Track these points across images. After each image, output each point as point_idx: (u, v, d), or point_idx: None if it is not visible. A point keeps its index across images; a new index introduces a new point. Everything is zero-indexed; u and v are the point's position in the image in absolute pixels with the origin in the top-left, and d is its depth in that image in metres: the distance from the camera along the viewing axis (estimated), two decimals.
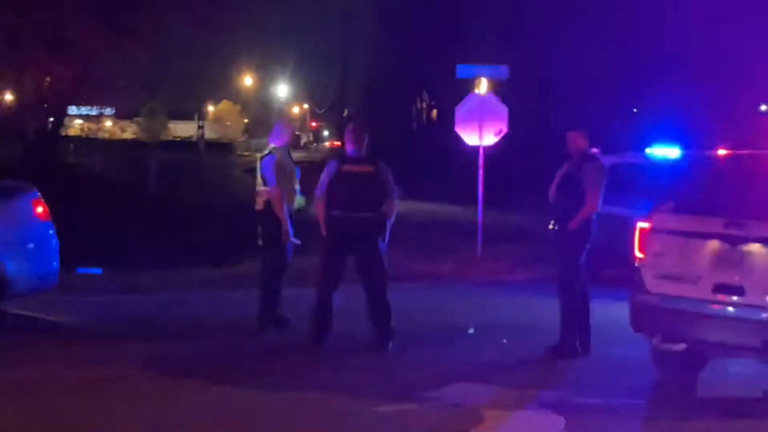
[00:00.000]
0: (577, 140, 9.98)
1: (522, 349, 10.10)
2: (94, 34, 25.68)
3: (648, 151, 14.90)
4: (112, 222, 17.88)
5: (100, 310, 11.96)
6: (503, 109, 17.06)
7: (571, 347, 9.75)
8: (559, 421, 7.58)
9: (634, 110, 39.48)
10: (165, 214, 19.86)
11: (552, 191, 9.96)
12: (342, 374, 8.96)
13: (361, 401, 7.98)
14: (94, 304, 12.34)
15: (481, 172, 17.03)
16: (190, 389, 8.34)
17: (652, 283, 8.79)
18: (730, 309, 8.31)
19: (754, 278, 8.19)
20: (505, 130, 17.05)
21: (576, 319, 9.80)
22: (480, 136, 16.88)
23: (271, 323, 10.55)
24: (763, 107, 42.00)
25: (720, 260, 8.41)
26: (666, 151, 14.56)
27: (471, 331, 10.77)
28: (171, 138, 75.20)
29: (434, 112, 50.17)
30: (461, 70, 17.36)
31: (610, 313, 10.21)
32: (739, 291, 8.25)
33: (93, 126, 76.35)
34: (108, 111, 73.39)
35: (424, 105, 51.40)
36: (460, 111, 17.23)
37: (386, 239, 10.01)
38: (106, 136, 75.91)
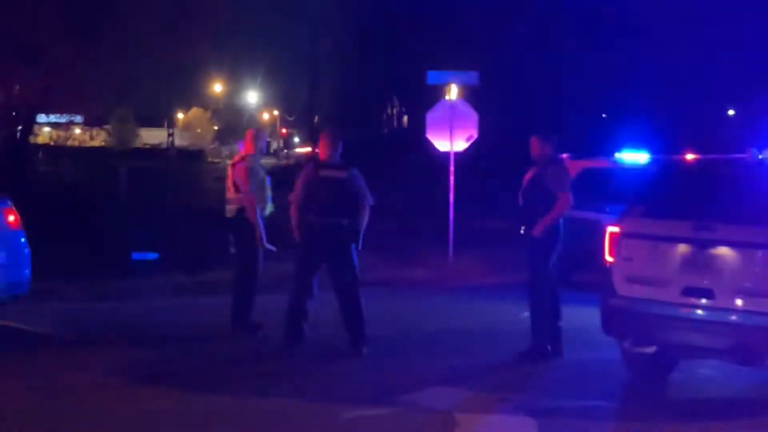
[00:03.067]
0: (540, 145, 10.05)
1: (494, 353, 10.15)
2: (63, 41, 25.53)
3: (617, 155, 15.01)
4: (82, 230, 17.76)
5: (71, 317, 11.90)
6: (474, 115, 17.13)
7: (543, 351, 9.81)
8: (532, 424, 7.64)
9: (603, 115, 39.70)
10: (135, 221, 19.76)
11: (520, 196, 10.04)
12: (316, 380, 8.98)
13: (334, 407, 8.01)
14: (65, 312, 12.28)
15: (452, 177, 17.09)
16: (162, 396, 8.32)
17: (622, 287, 8.87)
18: (700, 312, 8.39)
19: (723, 281, 8.28)
20: (475, 135, 17.13)
21: (547, 323, 9.87)
22: (451, 141, 16.95)
23: (244, 330, 10.55)
24: (731, 112, 42.38)
25: (689, 263, 8.49)
26: (635, 156, 14.67)
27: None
28: (141, 145, 75.08)
29: (405, 118, 50.25)
30: (432, 77, 17.43)
31: (581, 317, 10.28)
32: (709, 294, 8.34)
33: (62, 134, 75.94)
34: (77, 119, 72.96)
35: (394, 111, 51.47)
36: (430, 117, 17.29)
37: (359, 245, 10.04)
38: (76, 143, 75.49)
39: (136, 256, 14.94)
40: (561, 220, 9.88)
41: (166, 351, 10.08)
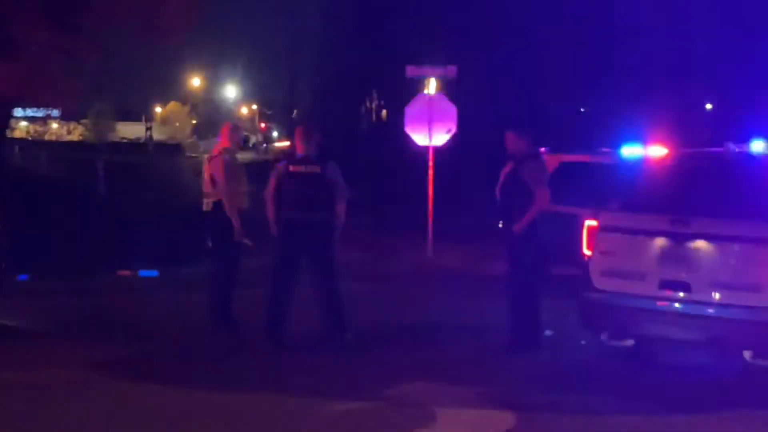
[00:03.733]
0: (515, 140, 10.05)
1: (474, 346, 10.17)
2: (40, 34, 25.36)
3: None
4: (59, 225, 17.68)
5: (46, 313, 11.84)
6: (452, 109, 17.15)
7: (522, 344, 9.83)
8: (512, 419, 7.65)
9: (582, 109, 39.82)
10: (113, 216, 19.69)
11: (497, 191, 10.04)
12: (296, 375, 8.96)
13: (315, 402, 8.01)
14: (40, 307, 12.21)
15: (430, 171, 17.11)
16: (142, 392, 8.30)
17: (599, 281, 8.91)
18: (677, 305, 8.45)
19: (699, 274, 8.33)
20: (454, 129, 17.15)
21: (526, 317, 9.89)
22: (429, 136, 16.96)
23: (222, 324, 10.52)
24: (708, 106, 42.56)
25: (666, 257, 8.54)
26: (637, 151, 14.66)
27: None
28: (118, 139, 74.78)
29: (384, 112, 50.23)
30: (410, 70, 17.43)
31: (560, 310, 10.31)
32: (685, 287, 8.39)
33: (39, 128, 75.58)
34: (54, 113, 72.66)
35: (373, 105, 51.43)
36: (409, 111, 17.29)
37: (337, 240, 10.04)
38: (53, 138, 75.16)
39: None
40: (539, 216, 9.88)
41: (146, 346, 10.04)
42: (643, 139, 9.69)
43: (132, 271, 14.90)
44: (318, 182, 9.93)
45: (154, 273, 14.90)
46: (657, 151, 9.40)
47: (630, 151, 9.72)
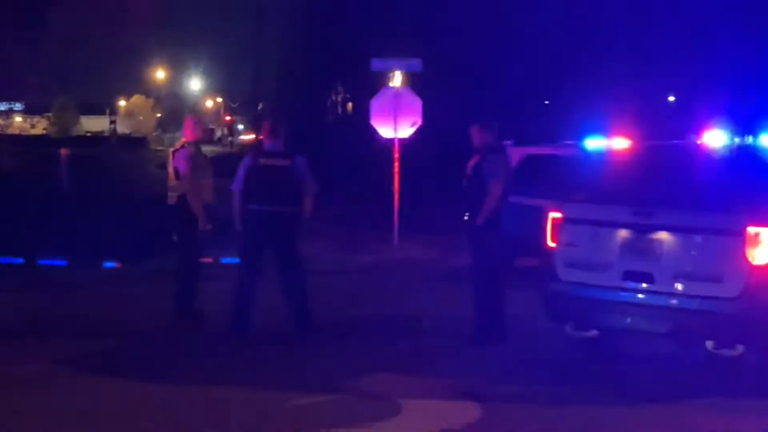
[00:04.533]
0: (480, 134, 10.11)
1: (439, 338, 10.21)
2: (3, 28, 25.18)
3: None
4: (22, 218, 17.54)
5: (10, 306, 11.76)
6: (417, 102, 17.19)
7: (487, 336, 9.88)
8: (476, 410, 7.70)
9: (546, 102, 39.97)
10: (77, 209, 19.55)
11: (463, 183, 10.10)
12: (261, 367, 8.97)
13: (279, 394, 8.02)
14: (8, 301, 12.13)
15: (396, 164, 17.14)
16: (109, 386, 8.29)
17: (563, 272, 8.97)
18: (640, 296, 8.53)
19: (662, 265, 8.41)
20: (419, 122, 17.19)
21: (490, 308, 9.94)
22: (395, 128, 16.99)
23: (188, 318, 10.51)
24: (671, 98, 42.86)
25: (629, 248, 8.61)
26: (600, 143, 14.77)
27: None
28: (82, 133, 74.25)
29: (349, 105, 50.16)
30: (376, 64, 17.46)
31: (525, 302, 10.38)
32: (648, 278, 8.47)
33: (2, 122, 74.88)
34: (17, 106, 72.02)
35: (339, 98, 51.35)
36: (374, 104, 17.31)
37: (304, 232, 10.05)
38: (16, 131, 74.48)
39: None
40: (503, 208, 9.93)
41: (111, 341, 10.00)
42: (606, 132, 9.76)
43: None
44: (286, 175, 9.94)
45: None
46: (620, 143, 9.47)
47: (593, 143, 9.80)
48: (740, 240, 8.09)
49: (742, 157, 9.00)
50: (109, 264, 14.81)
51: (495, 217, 9.87)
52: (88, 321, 10.97)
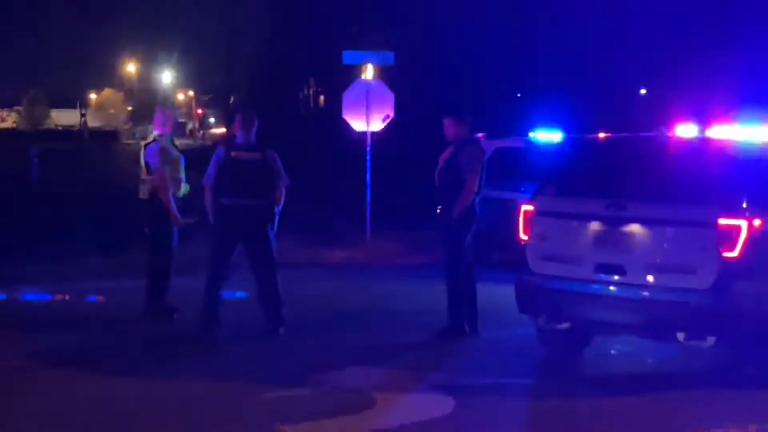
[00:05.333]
0: (454, 126, 10.09)
1: (412, 331, 10.21)
2: None
3: (531, 135, 15.16)
4: None
5: None
6: (390, 95, 17.16)
7: (459, 329, 9.89)
8: (450, 403, 7.70)
9: (518, 95, 40.04)
10: (48, 205, 19.44)
11: (436, 176, 10.09)
12: (233, 362, 8.95)
13: (252, 388, 7.99)
14: None
15: (369, 157, 17.12)
16: (77, 380, 8.23)
17: (536, 265, 8.99)
18: (612, 288, 8.55)
19: (634, 258, 8.44)
20: (391, 115, 17.16)
21: (463, 301, 9.95)
22: (367, 122, 16.96)
23: (159, 312, 10.46)
24: (642, 91, 43.04)
25: (601, 241, 8.63)
26: (549, 135, 14.83)
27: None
28: (53, 127, 73.74)
29: (321, 98, 50.08)
30: (348, 56, 17.41)
31: (497, 295, 10.39)
32: (621, 270, 8.49)
33: None
34: None
35: (311, 91, 51.25)
36: (347, 97, 17.27)
37: (276, 226, 10.02)
38: None
39: None
40: (476, 201, 9.94)
41: (83, 335, 9.95)
42: (578, 125, 9.78)
43: None
44: (258, 169, 9.90)
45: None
46: (592, 135, 9.49)
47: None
48: (712, 232, 8.12)
49: (713, 149, 9.02)
50: (81, 258, 14.71)
51: (469, 210, 9.87)
52: (59, 316, 10.89)
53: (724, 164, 8.66)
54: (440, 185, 10.02)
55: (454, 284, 9.95)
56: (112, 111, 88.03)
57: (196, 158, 13.93)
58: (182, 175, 10.63)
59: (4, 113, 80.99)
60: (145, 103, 75.28)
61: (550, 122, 15.50)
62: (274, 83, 44.91)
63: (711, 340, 8.31)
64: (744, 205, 8.18)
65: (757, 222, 8.12)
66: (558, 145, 14.45)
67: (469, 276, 10.04)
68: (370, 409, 7.57)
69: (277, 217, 10.00)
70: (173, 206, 10.37)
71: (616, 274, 8.52)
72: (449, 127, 10.09)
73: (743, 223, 8.08)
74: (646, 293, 8.39)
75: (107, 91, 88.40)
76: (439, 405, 7.68)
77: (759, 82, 26.46)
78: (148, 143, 10.59)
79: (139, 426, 7.17)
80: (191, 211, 10.68)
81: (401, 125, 19.84)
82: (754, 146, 8.88)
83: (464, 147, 9.96)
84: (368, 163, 17.13)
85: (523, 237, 9.12)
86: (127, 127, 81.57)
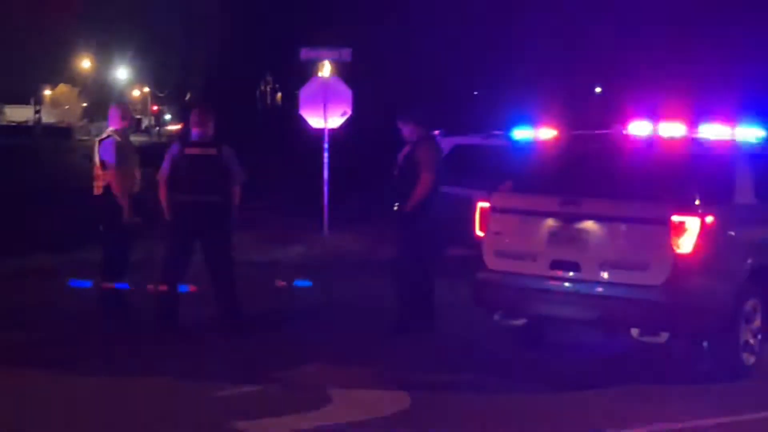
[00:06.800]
0: (408, 124, 10.14)
1: (369, 328, 10.22)
2: None
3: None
4: None
5: None
6: (347, 92, 17.15)
7: (411, 325, 9.92)
8: (406, 399, 7.72)
9: (475, 93, 40.18)
10: (2, 201, 19.21)
11: (394, 173, 10.13)
12: (188, 359, 8.90)
13: (207, 385, 7.97)
14: None
15: (326, 154, 17.09)
16: (32, 379, 8.17)
17: (492, 261, 9.03)
18: (567, 284, 8.62)
19: (588, 254, 8.51)
20: (349, 112, 17.15)
21: (416, 296, 9.98)
22: (324, 118, 16.93)
23: (113, 311, 10.37)
24: (598, 89, 43.35)
25: (556, 237, 8.69)
26: (529, 133, 14.82)
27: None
28: (5, 122, 72.88)
29: (279, 95, 49.94)
30: (305, 53, 17.37)
31: (454, 291, 10.42)
32: (575, 267, 8.56)
33: None
34: None
35: (268, 88, 51.08)
36: (304, 94, 17.24)
37: (232, 222, 9.98)
38: None
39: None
40: (434, 198, 9.97)
41: (34, 334, 9.85)
42: (533, 122, 9.82)
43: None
44: (213, 165, 9.86)
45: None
46: (547, 133, 9.55)
47: (521, 133, 9.86)
48: (665, 228, 8.20)
49: (665, 146, 9.10)
50: (36, 255, 14.55)
51: (424, 206, 9.90)
52: (13, 313, 10.76)
53: (677, 161, 8.74)
54: (398, 182, 10.06)
55: (405, 280, 9.98)
56: (67, 107, 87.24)
57: (152, 155, 13.81)
58: (137, 171, 10.55)
59: None
60: (100, 99, 74.70)
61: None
62: (231, 80, 44.70)
63: (664, 335, 8.39)
64: (697, 202, 8.28)
65: (709, 219, 8.22)
66: (514, 142, 14.49)
67: (426, 273, 10.07)
68: (326, 405, 7.58)
69: (233, 214, 9.96)
70: (128, 202, 10.29)
71: (571, 270, 8.58)
72: (404, 129, 10.17)
73: (696, 220, 8.17)
74: (600, 289, 8.46)
75: (62, 87, 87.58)
76: (396, 401, 7.70)
77: (713, 81, 26.75)
78: (103, 139, 10.51)
79: (90, 424, 7.12)
80: (145, 208, 10.60)
81: (359, 122, 19.81)
82: (706, 143, 8.98)
83: (420, 144, 10.01)
84: (326, 160, 17.10)
85: (479, 233, 9.17)
86: (81, 123, 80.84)
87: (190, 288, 9.94)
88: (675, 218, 8.19)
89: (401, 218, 9.97)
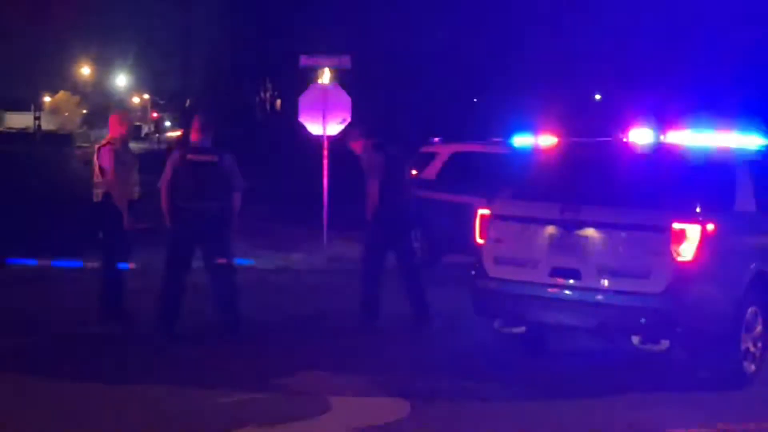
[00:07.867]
0: (352, 146, 10.84)
1: (368, 335, 10.21)
2: None
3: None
4: None
5: None
6: (346, 99, 17.14)
7: (367, 326, 10.31)
8: (405, 406, 7.70)
9: (474, 100, 40.22)
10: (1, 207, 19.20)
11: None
12: (189, 365, 8.89)
13: (208, 391, 7.95)
14: None
15: (325, 161, 17.08)
16: (28, 385, 8.14)
17: (492, 268, 9.02)
18: (567, 292, 8.60)
19: (589, 262, 8.49)
20: (348, 119, 17.14)
21: (373, 300, 10.47)
22: (324, 125, 16.93)
23: (114, 316, 10.36)
24: (597, 96, 43.39)
25: (556, 245, 8.67)
26: (528, 140, 14.82)
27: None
28: (5, 129, 72.80)
29: (278, 102, 50.00)
30: (304, 60, 17.37)
31: (453, 298, 10.41)
32: (575, 274, 8.54)
33: None
34: None
35: (267, 95, 51.15)
36: (303, 101, 17.23)
37: (232, 229, 9.98)
38: None
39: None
40: (393, 201, 10.40)
41: (34, 339, 9.84)
42: (533, 129, 9.82)
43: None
44: (214, 172, 9.87)
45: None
46: (547, 140, 9.54)
47: (521, 140, 9.86)
48: (666, 236, 8.19)
49: (667, 154, 9.09)
50: (35, 262, 14.55)
51: (379, 213, 10.42)
52: (11, 320, 10.75)
53: (678, 169, 8.74)
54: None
55: (365, 283, 10.49)
56: (67, 114, 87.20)
57: (152, 162, 13.83)
58: (137, 177, 10.55)
59: None
60: (100, 106, 74.72)
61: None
62: (231, 87, 44.77)
63: (665, 343, 8.38)
64: (697, 210, 8.27)
65: (710, 226, 8.21)
66: (515, 149, 14.49)
67: (415, 277, 10.27)
68: (326, 412, 7.56)
69: (233, 220, 9.96)
70: (127, 209, 10.28)
71: (571, 277, 8.56)
72: (356, 149, 10.82)
73: (697, 228, 8.15)
74: (600, 297, 8.44)
75: (62, 94, 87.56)
76: (395, 408, 7.67)
77: (715, 88, 26.78)
78: (102, 146, 10.50)
79: (89, 430, 7.10)
80: (146, 216, 10.60)
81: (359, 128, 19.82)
82: (707, 151, 8.97)
83: (364, 155, 10.64)
84: (325, 167, 17.09)
85: (479, 240, 9.15)
86: (81, 130, 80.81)
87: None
88: (676, 226, 8.18)
89: (364, 225, 10.56)
